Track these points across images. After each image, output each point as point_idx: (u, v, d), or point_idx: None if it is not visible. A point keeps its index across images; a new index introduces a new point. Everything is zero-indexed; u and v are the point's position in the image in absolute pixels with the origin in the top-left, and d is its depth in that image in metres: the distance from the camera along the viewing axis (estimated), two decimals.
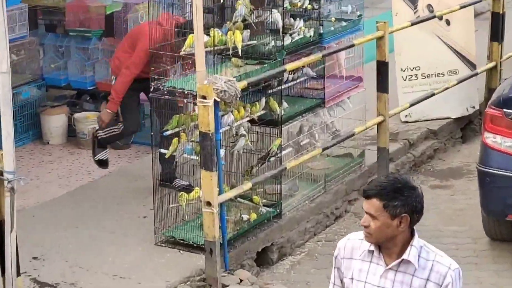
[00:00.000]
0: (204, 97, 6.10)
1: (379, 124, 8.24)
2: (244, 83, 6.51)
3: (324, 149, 7.68)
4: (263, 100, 7.14)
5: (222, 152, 6.74)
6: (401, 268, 3.73)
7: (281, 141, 7.26)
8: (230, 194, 6.65)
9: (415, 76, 9.91)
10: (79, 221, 7.53)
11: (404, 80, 9.87)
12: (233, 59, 7.03)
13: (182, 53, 6.69)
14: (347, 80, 8.31)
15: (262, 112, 7.18)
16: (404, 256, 3.71)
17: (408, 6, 9.84)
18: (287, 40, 7.36)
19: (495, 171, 7.02)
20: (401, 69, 9.86)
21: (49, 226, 7.47)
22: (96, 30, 9.69)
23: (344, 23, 8.06)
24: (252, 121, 7.20)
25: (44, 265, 6.79)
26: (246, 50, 7.08)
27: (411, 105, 9.08)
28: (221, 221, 6.53)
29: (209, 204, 6.27)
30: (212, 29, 6.77)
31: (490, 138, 7.05)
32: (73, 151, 9.26)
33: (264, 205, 7.26)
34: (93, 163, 8.25)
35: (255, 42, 7.00)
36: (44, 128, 9.54)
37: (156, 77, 6.84)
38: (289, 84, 7.52)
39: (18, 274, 5.52)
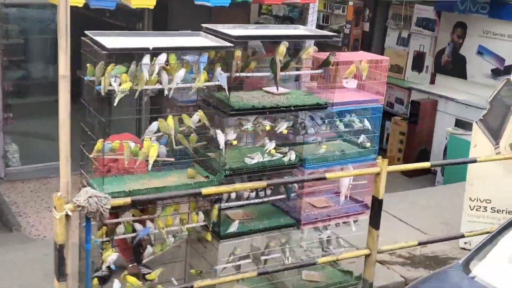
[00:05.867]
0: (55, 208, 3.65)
1: (366, 256, 4.92)
2: (128, 200, 3.87)
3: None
4: (201, 213, 4.40)
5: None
6: None
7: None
8: None
9: (484, 208, 6.11)
10: None
11: (471, 210, 6.13)
12: (189, 169, 4.39)
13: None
14: (352, 203, 5.08)
15: (204, 223, 4.43)
16: None
17: (489, 140, 6.07)
18: (255, 160, 4.51)
19: None
20: (470, 199, 6.14)
21: None
22: None
23: (343, 152, 4.86)
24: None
25: None
26: (203, 161, 4.42)
27: (419, 243, 5.46)
28: None
29: None
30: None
31: None
32: None
33: None
34: None
35: (172, 159, 4.25)
36: None
37: None
38: (249, 201, 4.60)
39: None
